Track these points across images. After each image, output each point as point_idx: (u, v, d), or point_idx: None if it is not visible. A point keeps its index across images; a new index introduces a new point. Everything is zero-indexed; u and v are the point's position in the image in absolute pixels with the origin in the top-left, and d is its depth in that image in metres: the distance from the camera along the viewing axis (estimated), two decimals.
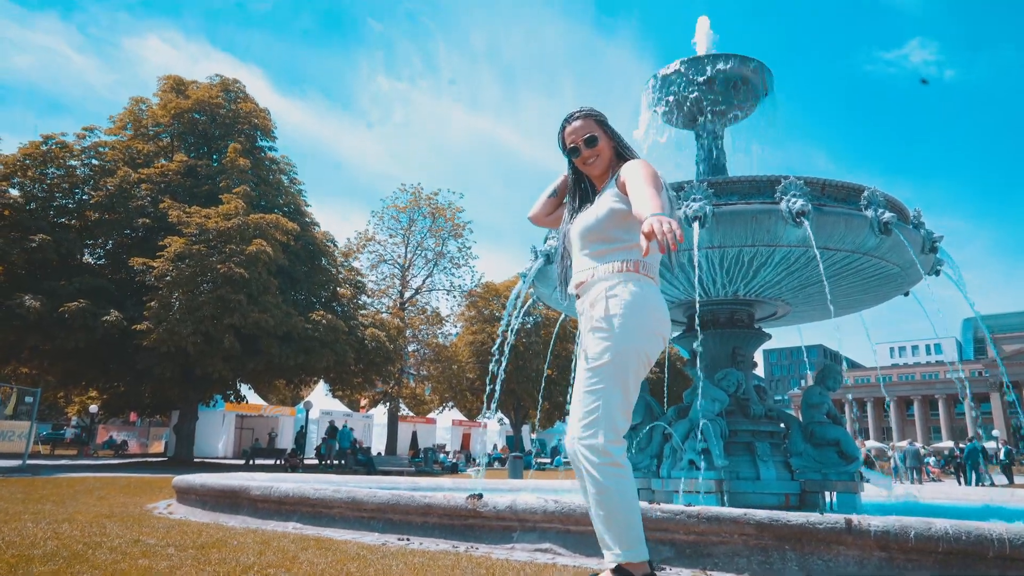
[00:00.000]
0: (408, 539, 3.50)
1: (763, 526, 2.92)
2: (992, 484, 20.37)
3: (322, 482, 5.37)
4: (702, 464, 7.18)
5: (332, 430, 25.32)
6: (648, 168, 2.41)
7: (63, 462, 21.22)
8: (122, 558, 2.77)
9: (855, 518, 2.89)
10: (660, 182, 2.41)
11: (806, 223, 6.63)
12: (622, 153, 2.64)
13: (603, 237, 2.47)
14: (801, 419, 8.12)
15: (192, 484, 5.09)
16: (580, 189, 2.71)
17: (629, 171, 2.42)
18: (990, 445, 31.81)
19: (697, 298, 7.27)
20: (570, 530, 3.19)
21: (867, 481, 8.43)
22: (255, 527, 4.00)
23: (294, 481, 4.99)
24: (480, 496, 3.37)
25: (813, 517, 2.92)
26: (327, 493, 3.92)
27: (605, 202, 2.50)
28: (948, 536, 2.77)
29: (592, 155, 2.61)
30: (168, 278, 18.80)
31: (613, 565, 2.21)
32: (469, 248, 34.85)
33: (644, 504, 3.30)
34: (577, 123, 2.63)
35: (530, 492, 4.41)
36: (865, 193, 7.00)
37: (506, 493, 3.65)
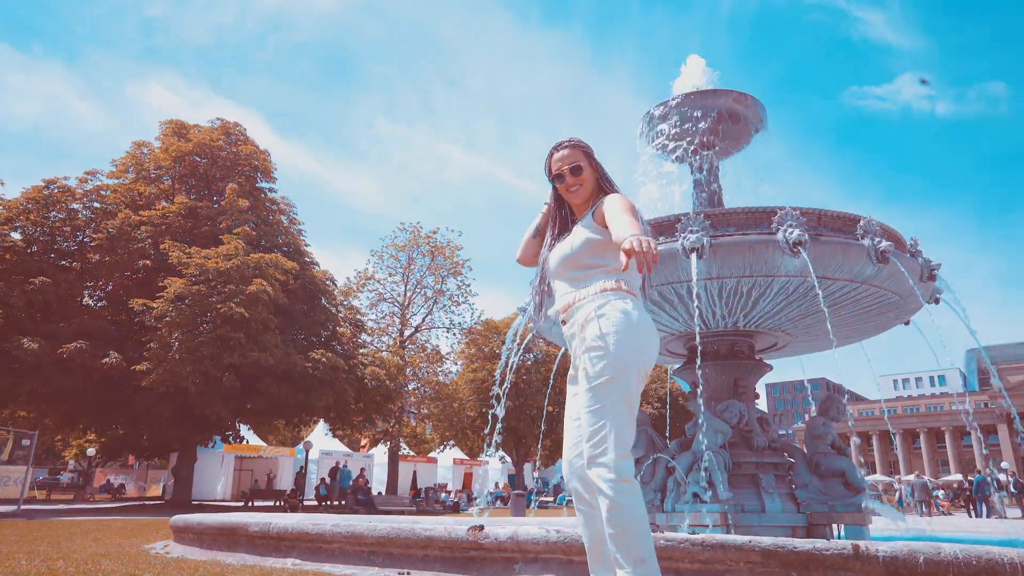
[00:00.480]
0: (408, 573, 3.44)
1: (769, 553, 2.88)
2: (1004, 516, 20.05)
3: (321, 519, 5.29)
4: (707, 497, 7.08)
5: (334, 471, 25.03)
6: (626, 201, 2.52)
7: (59, 507, 20.90)
8: None
9: (862, 544, 2.84)
10: (638, 214, 2.51)
11: (803, 253, 6.65)
12: (604, 186, 2.73)
13: (579, 264, 2.56)
14: (805, 450, 8.03)
15: (189, 522, 5.02)
16: (561, 216, 2.80)
17: (608, 203, 2.52)
18: (1000, 478, 31.35)
19: (697, 329, 7.24)
20: (573, 560, 3.14)
21: (877, 514, 8.29)
22: (253, 563, 3.94)
23: (293, 519, 4.92)
24: (481, 527, 3.33)
25: (820, 543, 2.87)
26: (326, 528, 3.87)
27: (581, 232, 2.60)
28: (958, 561, 2.73)
29: (576, 183, 2.70)
30: (167, 318, 18.80)
31: None
32: (468, 286, 34.97)
33: None
34: (564, 152, 2.72)
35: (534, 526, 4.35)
36: (861, 222, 7.04)
37: (508, 526, 3.60)
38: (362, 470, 27.07)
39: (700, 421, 7.39)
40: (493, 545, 3.29)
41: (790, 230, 6.73)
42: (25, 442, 16.83)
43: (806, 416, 8.49)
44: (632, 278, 2.54)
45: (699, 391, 7.48)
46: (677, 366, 9.28)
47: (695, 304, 6.89)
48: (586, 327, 2.43)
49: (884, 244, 6.90)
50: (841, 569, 2.82)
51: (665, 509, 7.55)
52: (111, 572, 3.35)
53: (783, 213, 6.86)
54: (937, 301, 8.08)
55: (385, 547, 3.62)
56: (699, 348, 7.08)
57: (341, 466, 26.12)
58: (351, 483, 24.43)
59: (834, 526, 7.29)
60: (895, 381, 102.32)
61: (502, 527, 3.34)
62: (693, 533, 3.12)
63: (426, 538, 3.48)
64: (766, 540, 2.91)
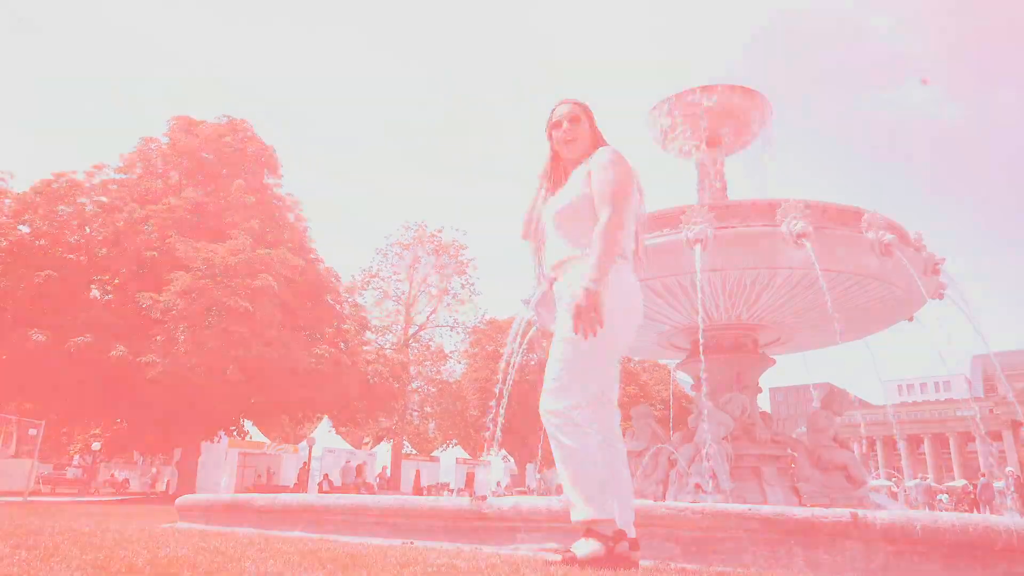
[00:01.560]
0: (412, 542, 3.50)
1: (768, 521, 2.91)
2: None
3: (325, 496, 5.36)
4: (708, 488, 7.10)
5: (354, 469, 25.10)
6: (620, 171, 2.53)
7: (64, 499, 21.03)
8: (128, 540, 2.82)
9: (860, 512, 2.88)
10: (627, 189, 2.52)
11: (807, 245, 6.65)
12: (600, 145, 2.73)
13: (573, 217, 2.58)
14: (807, 444, 8.06)
15: (197, 501, 5.10)
16: (556, 175, 2.81)
17: (599, 167, 2.55)
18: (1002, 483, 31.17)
19: (700, 322, 7.26)
20: (576, 529, 3.18)
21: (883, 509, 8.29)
22: (259, 533, 4.01)
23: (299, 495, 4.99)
24: (484, 497, 3.39)
25: (818, 511, 2.92)
26: (330, 500, 3.94)
27: (575, 187, 2.62)
28: (955, 528, 2.76)
29: (572, 133, 2.71)
30: (174, 312, 18.91)
31: (579, 520, 2.32)
32: (473, 285, 35.06)
33: (649, 502, 3.30)
34: (566, 105, 2.76)
35: None
36: (865, 216, 7.04)
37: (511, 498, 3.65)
38: (384, 468, 27.13)
39: (703, 413, 7.42)
40: (496, 515, 3.34)
41: (794, 222, 6.75)
42: (32, 431, 16.92)
43: None
44: (624, 240, 2.56)
45: (702, 383, 7.52)
46: (679, 360, 9.29)
47: (698, 296, 6.92)
48: (572, 286, 2.47)
49: (888, 237, 6.90)
50: (840, 536, 2.85)
51: (667, 501, 7.57)
52: (121, 531, 3.44)
53: (787, 205, 6.87)
54: (941, 296, 8.05)
55: (389, 518, 3.68)
56: (702, 341, 7.11)
57: (350, 464, 26.19)
58: (353, 478, 24.54)
59: None
60: (900, 387, 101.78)
61: (505, 498, 3.40)
62: (694, 501, 3.17)
63: (430, 508, 3.54)
64: (765, 508, 2.95)
